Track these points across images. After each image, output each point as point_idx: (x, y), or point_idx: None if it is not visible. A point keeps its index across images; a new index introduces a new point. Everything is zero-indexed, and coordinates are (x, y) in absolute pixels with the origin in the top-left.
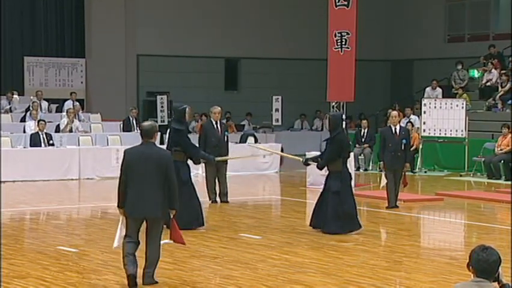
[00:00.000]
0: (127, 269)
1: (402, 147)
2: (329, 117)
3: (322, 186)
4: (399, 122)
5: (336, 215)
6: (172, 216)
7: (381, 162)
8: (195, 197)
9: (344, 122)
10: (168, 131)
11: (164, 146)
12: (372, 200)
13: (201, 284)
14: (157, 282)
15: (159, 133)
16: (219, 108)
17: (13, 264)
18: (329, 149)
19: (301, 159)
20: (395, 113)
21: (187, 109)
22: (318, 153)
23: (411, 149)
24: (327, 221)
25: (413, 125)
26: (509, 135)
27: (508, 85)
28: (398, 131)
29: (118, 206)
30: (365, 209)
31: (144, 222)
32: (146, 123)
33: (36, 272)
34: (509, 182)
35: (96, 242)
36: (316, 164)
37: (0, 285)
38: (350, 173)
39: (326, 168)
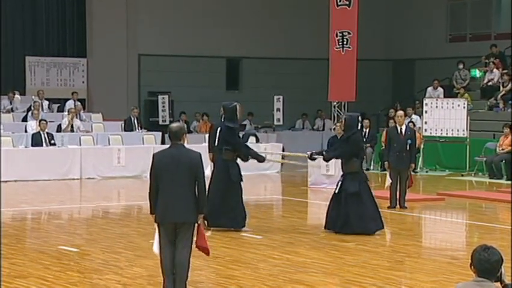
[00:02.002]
0: None
1: (407, 148)
2: (344, 118)
3: (323, 186)
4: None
5: (358, 216)
6: (199, 221)
7: (386, 162)
8: (241, 198)
9: (359, 123)
10: (219, 129)
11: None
12: None
13: (202, 283)
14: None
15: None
16: None
17: (14, 263)
18: (343, 148)
19: (306, 154)
20: (400, 112)
21: (237, 106)
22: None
23: None
24: (349, 222)
25: (414, 125)
26: (511, 135)
27: (510, 85)
28: (403, 131)
29: (151, 213)
30: None
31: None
32: (174, 125)
33: (37, 272)
34: (511, 182)
35: (97, 241)
36: (322, 156)
37: (1, 285)
38: (365, 174)
39: (341, 170)
